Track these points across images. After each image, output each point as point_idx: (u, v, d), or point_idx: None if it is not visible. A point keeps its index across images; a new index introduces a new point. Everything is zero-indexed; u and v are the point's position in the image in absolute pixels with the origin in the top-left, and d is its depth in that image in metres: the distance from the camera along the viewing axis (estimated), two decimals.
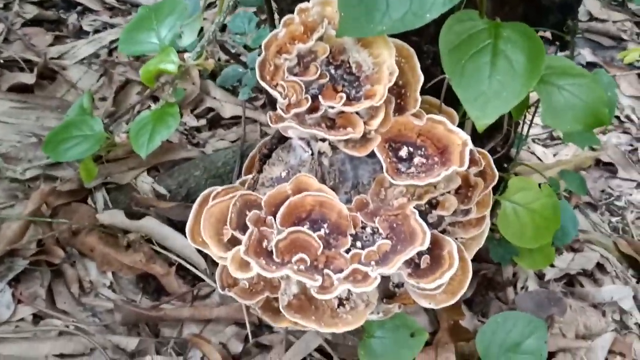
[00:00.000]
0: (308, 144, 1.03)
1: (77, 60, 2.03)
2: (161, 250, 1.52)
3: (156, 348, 1.40)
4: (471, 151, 1.08)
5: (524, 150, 2.39)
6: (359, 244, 0.94)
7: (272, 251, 0.88)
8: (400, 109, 1.01)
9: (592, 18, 2.90)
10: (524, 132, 1.49)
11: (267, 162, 1.08)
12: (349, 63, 1.00)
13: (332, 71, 0.99)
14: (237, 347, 1.42)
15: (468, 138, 0.96)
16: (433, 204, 1.04)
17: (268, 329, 1.47)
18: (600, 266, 1.88)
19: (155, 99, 1.99)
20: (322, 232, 0.93)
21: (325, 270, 0.87)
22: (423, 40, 1.10)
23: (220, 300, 1.48)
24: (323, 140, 0.99)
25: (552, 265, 1.83)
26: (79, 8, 2.27)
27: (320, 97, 0.93)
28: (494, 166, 1.10)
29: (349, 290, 1.01)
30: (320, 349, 1.45)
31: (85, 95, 1.50)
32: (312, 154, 1.02)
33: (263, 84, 0.89)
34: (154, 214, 1.52)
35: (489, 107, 0.94)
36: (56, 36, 2.11)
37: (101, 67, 2.00)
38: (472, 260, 1.75)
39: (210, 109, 1.97)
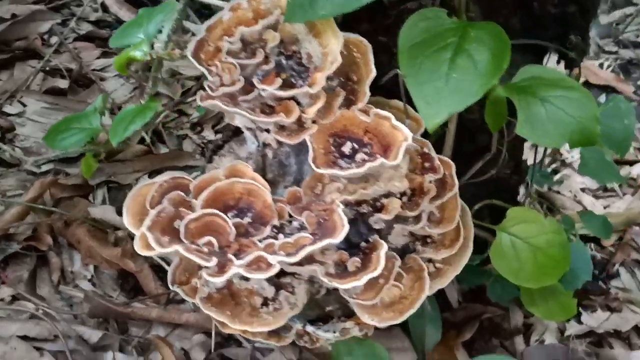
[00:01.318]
0: (256, 136, 0.99)
1: (117, 74, 2.16)
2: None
3: (120, 345, 1.38)
4: (431, 157, 1.00)
5: (569, 199, 2.22)
6: (281, 236, 0.88)
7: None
8: (350, 105, 0.96)
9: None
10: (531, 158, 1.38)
11: (218, 153, 1.06)
12: (300, 53, 0.97)
13: (283, 61, 0.97)
14: (199, 356, 1.36)
15: (410, 135, 0.89)
16: (378, 208, 0.96)
17: (236, 342, 1.41)
18: (638, 330, 1.65)
19: (180, 112, 2.08)
20: (245, 220, 0.89)
21: (229, 255, 0.82)
22: (391, 41, 1.05)
23: (194, 308, 1.45)
24: (268, 131, 0.96)
25: (579, 322, 1.63)
26: None
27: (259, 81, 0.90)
28: (455, 176, 1.00)
29: (276, 291, 0.94)
30: None
31: (101, 96, 1.57)
32: (259, 146, 0.99)
33: (194, 61, 0.89)
34: None
35: (442, 105, 0.88)
36: (104, 52, 2.25)
37: (137, 81, 2.10)
38: (475, 301, 1.63)
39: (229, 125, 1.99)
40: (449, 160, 1.02)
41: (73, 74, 1.98)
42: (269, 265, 0.78)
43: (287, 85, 0.92)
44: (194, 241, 0.84)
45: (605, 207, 2.20)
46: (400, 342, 1.48)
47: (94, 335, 1.36)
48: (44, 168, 1.72)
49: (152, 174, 1.68)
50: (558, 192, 2.32)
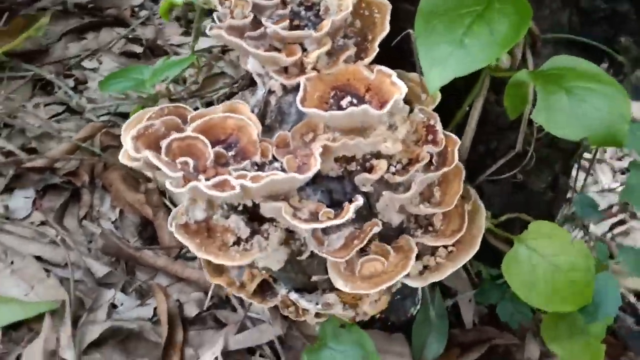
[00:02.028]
0: (264, 83, 1.00)
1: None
2: (170, 205, 1.57)
3: (123, 285, 1.42)
4: (435, 130, 0.96)
5: None
6: (261, 173, 0.87)
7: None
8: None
9: None
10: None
11: (231, 99, 1.08)
12: (319, 6, 0.97)
13: (303, 12, 0.97)
14: (192, 311, 1.37)
15: (405, 90, 0.86)
16: (367, 168, 0.92)
17: (231, 307, 1.40)
18: None
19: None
20: (229, 153, 0.89)
21: (200, 176, 0.82)
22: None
23: (199, 266, 1.46)
24: (275, 79, 0.96)
25: None
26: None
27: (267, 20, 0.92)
28: (457, 154, 0.95)
29: (251, 235, 0.94)
30: (272, 346, 1.33)
31: (163, 58, 1.68)
32: (264, 93, 1.00)
33: None
34: None
35: (447, 68, 0.86)
36: (186, 31, 2.40)
37: (207, 59, 2.21)
38: (491, 325, 1.51)
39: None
40: (455, 137, 0.97)
41: (148, 42, 2.11)
42: (232, 188, 0.77)
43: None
44: (173, 160, 0.85)
45: None
46: (399, 347, 1.41)
47: (101, 270, 1.41)
48: (102, 119, 1.83)
49: None
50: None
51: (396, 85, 0.87)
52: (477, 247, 1.10)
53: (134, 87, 1.48)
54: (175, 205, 1.44)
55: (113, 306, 1.36)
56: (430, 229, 1.08)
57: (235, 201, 0.88)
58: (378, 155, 0.92)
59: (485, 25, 0.87)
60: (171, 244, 1.50)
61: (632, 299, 1.89)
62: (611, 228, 2.23)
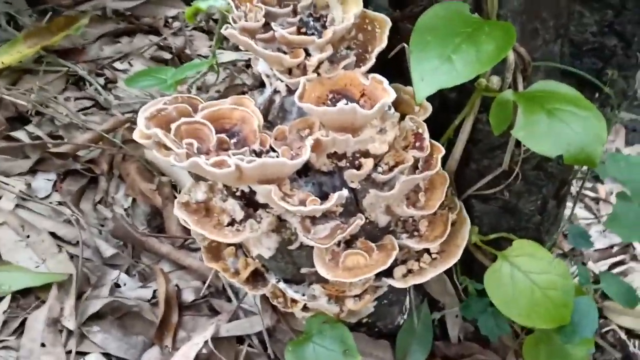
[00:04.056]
0: (271, 84, 1.10)
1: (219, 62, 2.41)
2: None
3: (128, 267, 1.51)
4: (422, 138, 1.04)
5: None
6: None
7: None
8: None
9: None
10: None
11: None
12: (326, 17, 1.07)
13: (311, 22, 1.07)
14: (188, 297, 1.45)
15: (394, 96, 0.94)
16: (356, 166, 1.01)
17: (226, 298, 1.48)
18: None
19: None
20: (231, 140, 0.98)
21: (201, 156, 0.91)
22: None
23: (201, 257, 1.54)
24: (281, 80, 1.06)
25: None
26: None
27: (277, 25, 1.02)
28: (439, 160, 1.02)
29: (245, 218, 1.02)
30: (261, 337, 1.40)
31: (188, 64, 1.79)
32: (271, 92, 1.09)
33: None
34: None
35: (434, 81, 0.93)
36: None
37: (231, 71, 2.34)
38: (468, 340, 1.55)
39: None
40: (440, 146, 1.05)
41: (177, 49, 2.25)
42: (228, 166, 0.86)
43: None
44: (180, 141, 0.95)
45: None
46: (382, 352, 1.46)
47: (108, 251, 1.51)
48: (127, 115, 1.95)
49: None
50: None
51: (387, 91, 0.95)
52: (458, 256, 1.17)
53: (157, 84, 1.60)
54: None
55: (116, 285, 1.45)
56: (416, 233, 1.15)
57: (232, 183, 0.97)
58: (367, 155, 1.00)
59: (473, 45, 0.95)
60: (177, 234, 1.59)
61: (623, 335, 1.90)
62: (610, 268, 2.26)
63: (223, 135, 0.97)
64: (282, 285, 1.20)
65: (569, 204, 1.53)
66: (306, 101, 0.95)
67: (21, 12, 2.24)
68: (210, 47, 2.51)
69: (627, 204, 1.34)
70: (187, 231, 1.62)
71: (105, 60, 2.18)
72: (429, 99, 0.94)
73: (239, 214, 1.01)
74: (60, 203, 1.60)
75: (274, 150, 0.99)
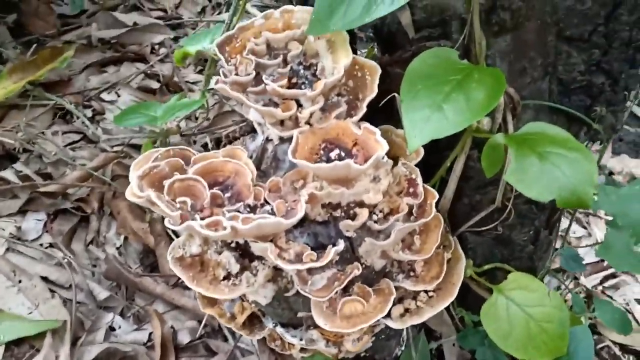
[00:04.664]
0: (263, 132, 1.10)
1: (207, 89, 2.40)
2: (172, 235, 1.65)
3: (122, 310, 1.49)
4: (416, 184, 1.05)
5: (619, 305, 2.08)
6: (252, 215, 0.95)
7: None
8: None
9: None
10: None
11: (232, 144, 1.17)
12: (316, 66, 1.07)
13: (302, 70, 1.07)
14: (185, 338, 1.44)
15: (385, 148, 0.94)
16: (350, 216, 1.01)
17: (222, 337, 1.47)
18: None
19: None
20: (225, 194, 0.98)
21: (196, 215, 0.91)
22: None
23: (195, 297, 1.54)
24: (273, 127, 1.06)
25: None
26: None
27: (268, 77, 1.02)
28: (434, 206, 1.03)
29: (241, 271, 1.01)
30: None
31: (176, 96, 1.79)
32: (263, 140, 1.09)
33: (217, 50, 1.02)
34: None
35: (426, 130, 0.94)
36: (201, 70, 2.52)
37: (219, 98, 2.33)
38: None
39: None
40: (433, 190, 1.05)
41: (165, 79, 2.24)
42: (224, 228, 0.86)
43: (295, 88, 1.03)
44: (174, 199, 0.94)
45: None
46: None
47: (102, 293, 1.49)
48: (115, 149, 1.94)
49: None
50: (610, 297, 2.19)
51: (379, 143, 0.96)
52: (455, 294, 1.17)
53: (146, 122, 1.59)
54: (177, 236, 1.52)
55: (111, 329, 1.44)
56: (412, 274, 1.15)
57: (228, 239, 0.97)
58: (361, 204, 1.00)
59: (463, 93, 0.96)
60: (170, 272, 1.57)
61: (617, 351, 1.92)
62: (602, 281, 2.28)
63: (216, 191, 0.97)
64: (279, 330, 1.20)
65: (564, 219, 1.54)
66: (300, 156, 0.95)
67: (5, 45, 2.22)
68: (197, 72, 2.51)
69: (618, 234, 1.36)
70: None
71: (92, 92, 2.16)
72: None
73: (235, 267, 1.01)
74: (51, 245, 1.59)
75: (268, 204, 0.99)
